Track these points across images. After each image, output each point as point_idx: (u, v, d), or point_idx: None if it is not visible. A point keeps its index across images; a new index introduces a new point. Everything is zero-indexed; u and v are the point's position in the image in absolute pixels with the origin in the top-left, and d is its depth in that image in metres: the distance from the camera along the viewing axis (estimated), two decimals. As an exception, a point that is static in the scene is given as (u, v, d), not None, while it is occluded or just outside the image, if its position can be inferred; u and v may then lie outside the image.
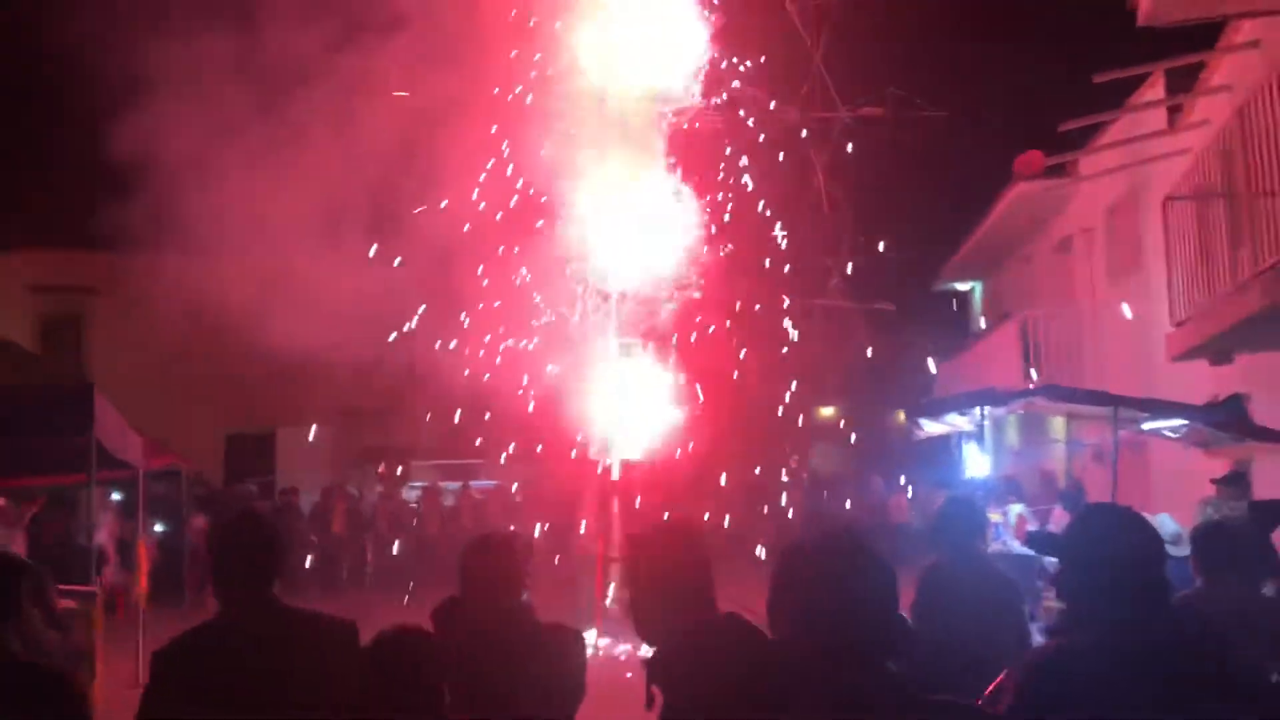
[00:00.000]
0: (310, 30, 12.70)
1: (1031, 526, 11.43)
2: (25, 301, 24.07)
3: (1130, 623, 2.60)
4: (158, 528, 16.37)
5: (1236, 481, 9.20)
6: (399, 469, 22.52)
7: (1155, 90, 13.42)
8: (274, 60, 12.62)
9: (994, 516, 9.88)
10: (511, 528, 13.16)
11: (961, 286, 27.75)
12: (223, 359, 21.46)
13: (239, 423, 24.19)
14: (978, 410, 10.15)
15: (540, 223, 14.14)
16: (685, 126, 13.97)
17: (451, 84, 13.27)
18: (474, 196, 13.70)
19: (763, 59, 15.24)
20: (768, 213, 16.90)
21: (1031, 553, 10.42)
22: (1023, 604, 5.26)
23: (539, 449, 16.27)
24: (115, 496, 16.21)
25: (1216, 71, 11.89)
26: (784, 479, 25.81)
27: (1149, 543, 2.75)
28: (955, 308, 28.54)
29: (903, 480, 22.00)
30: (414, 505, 21.54)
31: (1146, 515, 7.31)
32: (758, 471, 24.89)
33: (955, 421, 11.26)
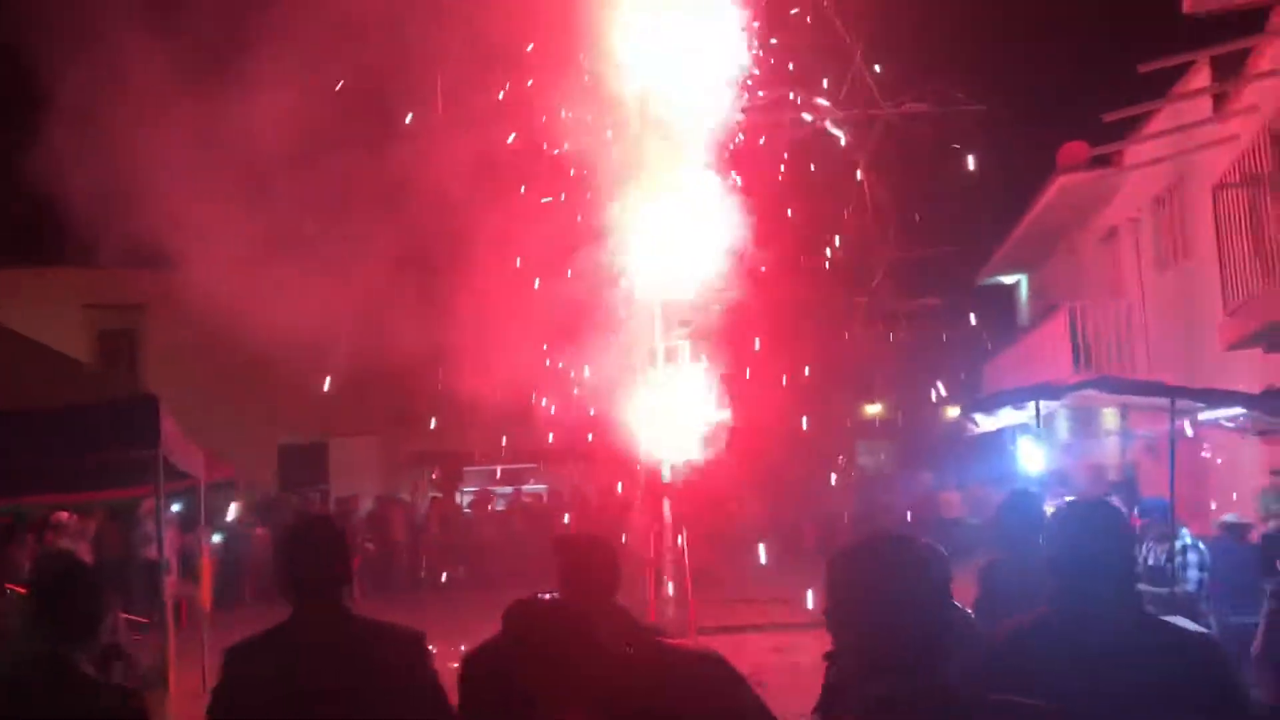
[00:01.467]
0: (351, 49, 12.88)
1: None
2: (81, 318, 24.54)
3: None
4: (215, 538, 16.67)
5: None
6: (452, 474, 22.75)
7: (1201, 78, 13.31)
8: (318, 78, 12.79)
9: (1049, 510, 9.85)
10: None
11: (1008, 280, 27.59)
12: (273, 370, 21.79)
13: (291, 433, 24.51)
14: (1031, 404, 10.11)
15: (579, 217, 14.23)
16: (729, 132, 14.00)
17: (494, 90, 13.40)
18: (521, 192, 13.82)
19: (790, 65, 15.24)
20: (812, 212, 16.89)
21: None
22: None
23: (589, 453, 16.35)
24: (175, 508, 16.52)
25: (1263, 57, 11.77)
26: (833, 479, 25.79)
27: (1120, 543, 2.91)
28: (1002, 301, 28.37)
29: (953, 476, 21.91)
30: (467, 511, 21.75)
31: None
32: (802, 470, 24.87)
33: (1009, 416, 11.22)
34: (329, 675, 3.13)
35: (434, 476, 22.75)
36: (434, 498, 22.01)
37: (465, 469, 22.99)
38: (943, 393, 25.35)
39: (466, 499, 22.33)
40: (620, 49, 13.69)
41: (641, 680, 2.85)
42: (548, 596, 4.13)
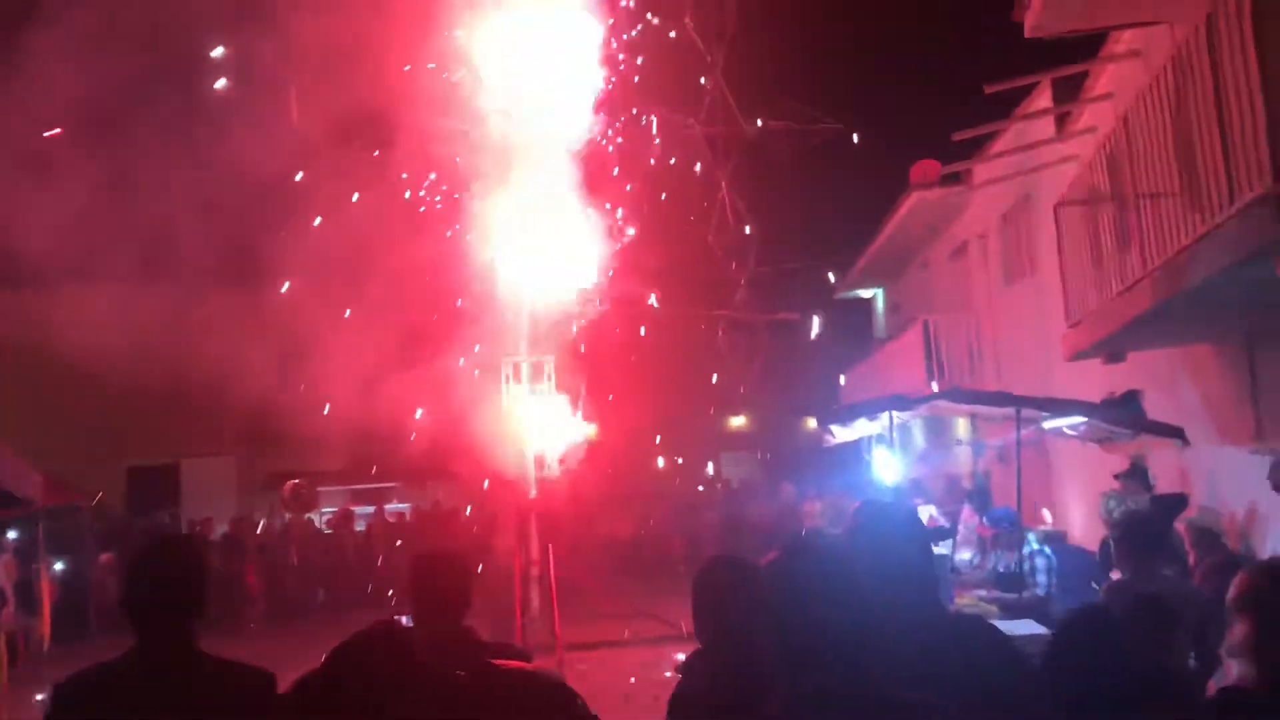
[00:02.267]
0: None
1: (944, 525, 11.72)
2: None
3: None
4: (58, 566, 15.85)
5: (1136, 475, 9.54)
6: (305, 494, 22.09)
7: (1043, 99, 13.87)
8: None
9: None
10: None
11: (864, 294, 28.26)
12: (120, 391, 20.88)
13: (140, 455, 23.56)
14: (885, 415, 10.36)
15: (450, 232, 14.05)
16: (588, 145, 14.02)
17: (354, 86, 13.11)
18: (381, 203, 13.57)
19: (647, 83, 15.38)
20: (673, 229, 17.03)
21: (945, 551, 10.69)
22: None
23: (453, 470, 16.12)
24: (10, 535, 15.68)
25: (1100, 80, 12.33)
26: (699, 489, 26.03)
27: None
28: (860, 314, 29.03)
29: (813, 486, 22.28)
30: (327, 531, 21.20)
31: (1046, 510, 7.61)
32: (668, 481, 24.98)
33: (864, 427, 11.48)
34: (163, 711, 2.92)
35: (285, 493, 22.05)
36: (288, 519, 21.40)
37: (321, 489, 22.40)
38: (801, 405, 25.83)
39: (325, 519, 21.78)
40: (480, 65, 13.61)
41: (463, 706, 2.81)
42: (403, 619, 4.01)
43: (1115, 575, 5.94)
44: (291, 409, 19.09)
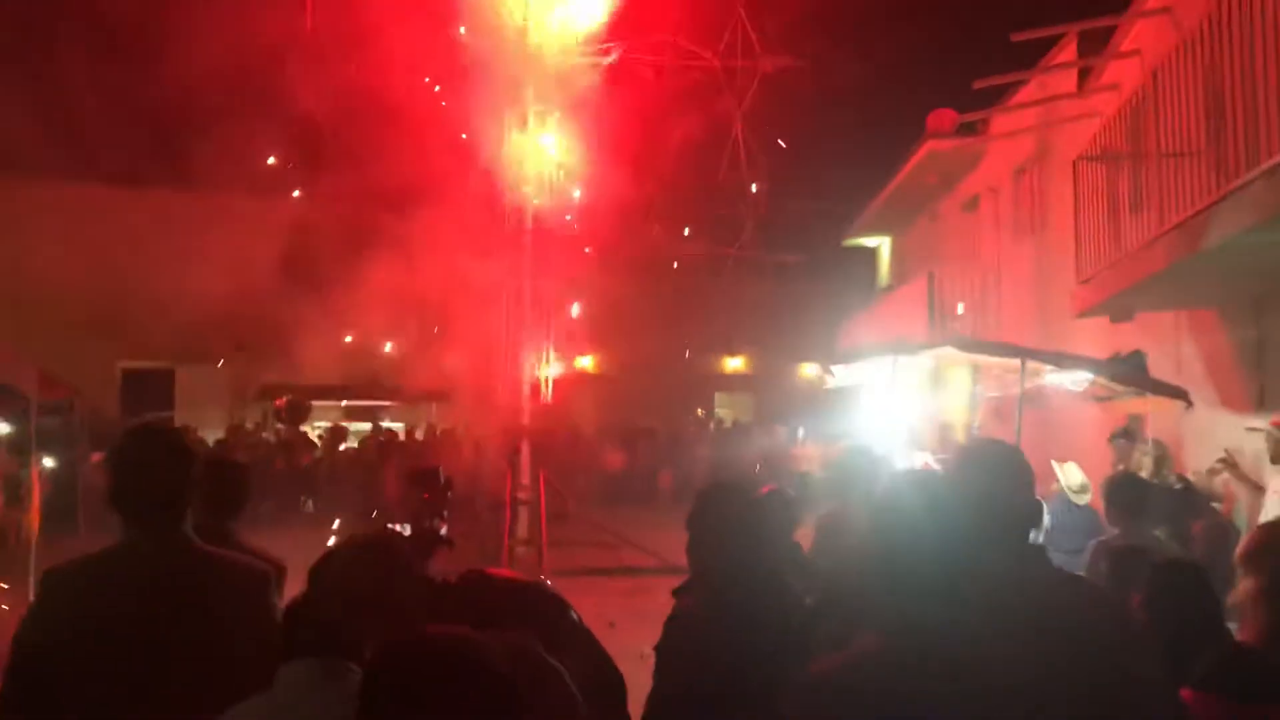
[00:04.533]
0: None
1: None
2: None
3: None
4: (48, 462, 15.81)
5: (1129, 435, 9.52)
6: (299, 408, 22.11)
7: (1068, 53, 13.65)
8: None
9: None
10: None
11: (870, 242, 28.08)
12: (115, 292, 20.82)
13: (136, 358, 23.52)
14: (886, 362, 10.29)
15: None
16: (604, 65, 13.88)
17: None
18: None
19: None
20: (686, 163, 16.89)
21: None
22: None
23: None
24: (3, 429, 15.62)
25: (1127, 36, 12.11)
26: (692, 425, 26.10)
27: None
28: (864, 263, 28.88)
29: (803, 430, 22.31)
30: (317, 444, 21.24)
31: (1055, 463, 7.51)
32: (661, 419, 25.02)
33: (864, 372, 11.42)
34: (151, 605, 2.86)
35: (277, 406, 22.05)
36: (279, 429, 21.44)
37: (316, 403, 22.41)
38: (800, 349, 25.81)
39: (317, 434, 21.81)
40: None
41: (457, 608, 2.77)
42: (398, 528, 3.98)
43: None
44: (288, 321, 19.07)
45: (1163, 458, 8.32)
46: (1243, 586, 2.91)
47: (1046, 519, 8.80)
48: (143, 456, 3.05)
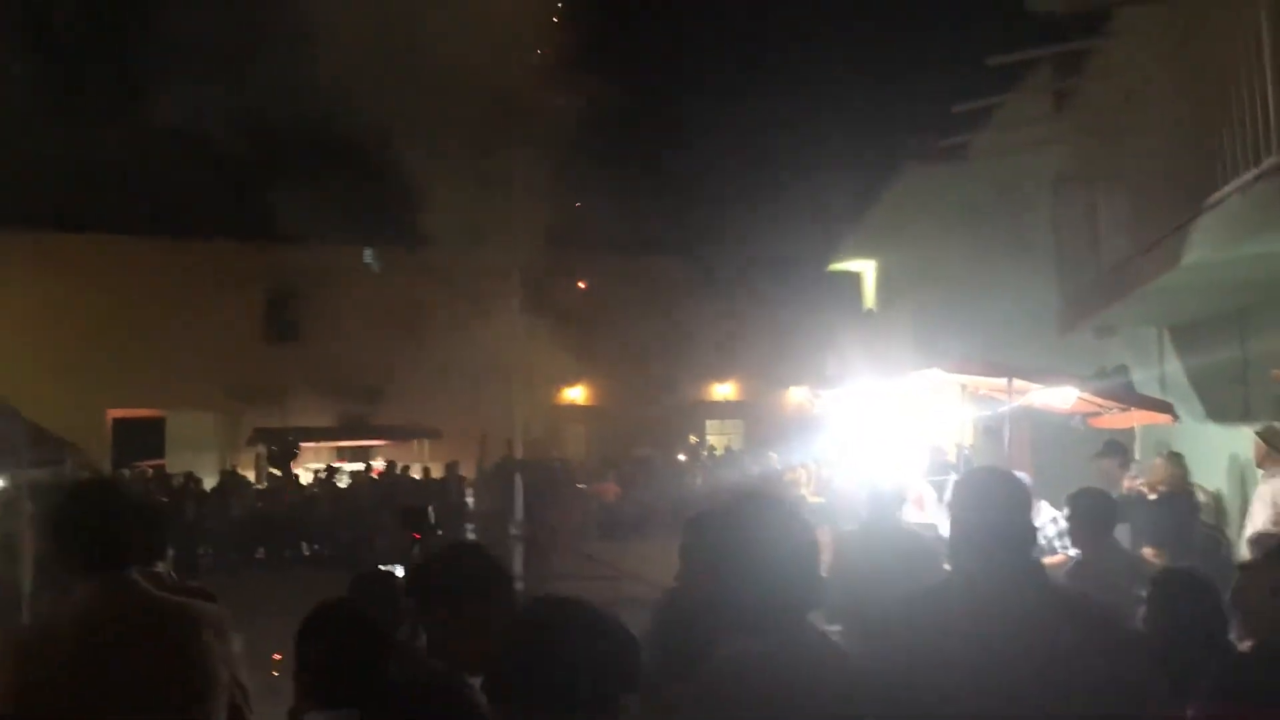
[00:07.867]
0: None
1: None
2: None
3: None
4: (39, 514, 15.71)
5: (1115, 451, 9.59)
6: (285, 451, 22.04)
7: (1044, 76, 13.82)
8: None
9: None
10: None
11: (855, 267, 28.17)
12: (105, 341, 20.79)
13: (126, 407, 23.47)
14: (874, 385, 10.39)
15: None
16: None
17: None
18: None
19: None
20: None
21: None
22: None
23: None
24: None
25: (1102, 58, 12.29)
26: (682, 456, 26.12)
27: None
28: (849, 288, 28.95)
29: (798, 455, 22.35)
30: (313, 488, 21.18)
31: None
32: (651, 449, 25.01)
33: (851, 397, 11.51)
34: (99, 653, 2.86)
35: (263, 452, 22.00)
36: (270, 475, 21.38)
37: (306, 445, 22.34)
38: (788, 375, 25.86)
39: (309, 476, 21.75)
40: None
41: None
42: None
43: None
44: (278, 365, 19.05)
45: (1184, 473, 8.29)
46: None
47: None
48: (78, 512, 3.04)
